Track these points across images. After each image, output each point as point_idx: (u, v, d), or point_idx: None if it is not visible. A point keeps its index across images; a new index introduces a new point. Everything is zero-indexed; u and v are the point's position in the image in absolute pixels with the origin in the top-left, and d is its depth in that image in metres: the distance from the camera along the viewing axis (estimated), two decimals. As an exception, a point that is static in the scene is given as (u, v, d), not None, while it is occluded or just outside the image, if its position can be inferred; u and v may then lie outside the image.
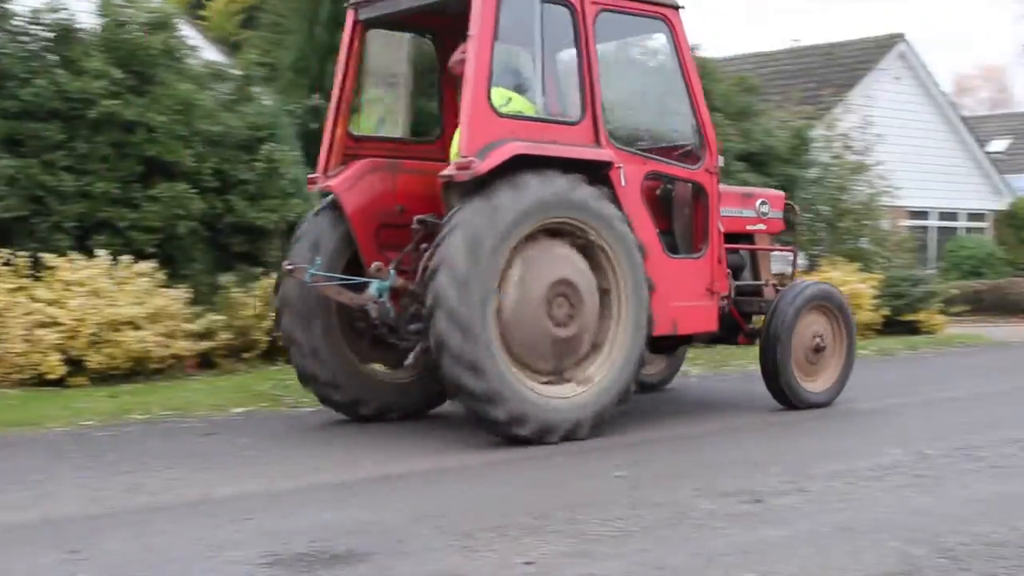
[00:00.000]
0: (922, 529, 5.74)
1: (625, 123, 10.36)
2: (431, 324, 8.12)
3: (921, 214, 29.20)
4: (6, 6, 12.84)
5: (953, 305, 20.33)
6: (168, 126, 12.79)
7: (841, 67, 28.33)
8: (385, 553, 5.39)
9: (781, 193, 11.38)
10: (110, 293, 11.71)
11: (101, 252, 12.03)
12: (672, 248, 9.69)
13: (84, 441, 8.59)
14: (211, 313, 12.52)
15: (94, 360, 11.40)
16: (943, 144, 29.67)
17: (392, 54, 10.37)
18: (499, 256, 8.26)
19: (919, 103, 29.18)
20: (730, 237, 10.28)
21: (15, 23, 12.80)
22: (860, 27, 74.70)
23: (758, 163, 17.81)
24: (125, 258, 12.13)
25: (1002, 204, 31.30)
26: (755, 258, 10.90)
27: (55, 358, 11.19)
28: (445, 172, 8.49)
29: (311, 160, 15.04)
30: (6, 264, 11.63)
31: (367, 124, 10.34)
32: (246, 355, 12.77)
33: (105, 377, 11.46)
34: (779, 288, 10.62)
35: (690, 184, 9.85)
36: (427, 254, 8.48)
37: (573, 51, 9.14)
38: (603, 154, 8.92)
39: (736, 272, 10.44)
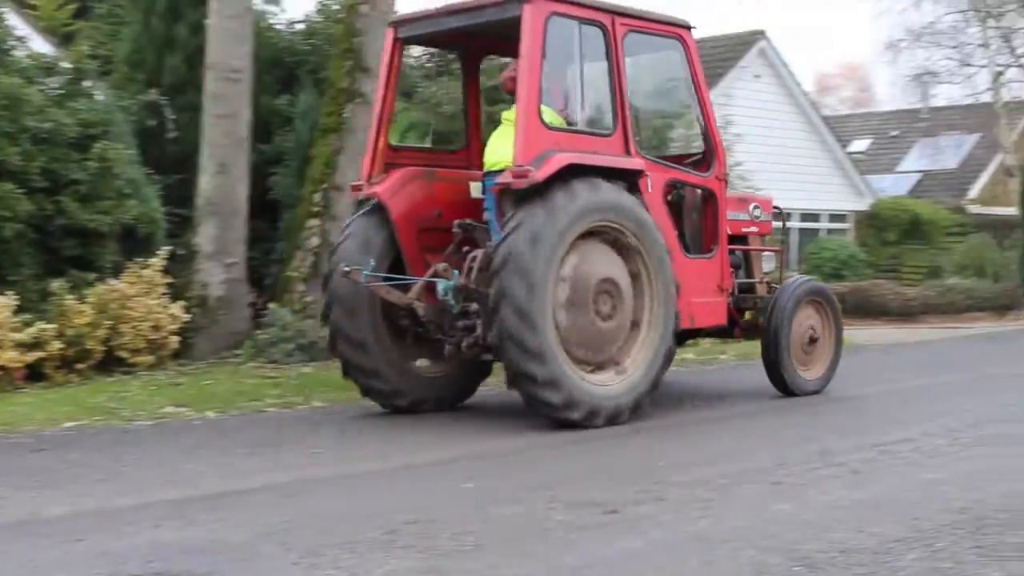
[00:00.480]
0: (779, 537, 5.87)
1: (645, 133, 11.46)
2: (496, 316, 9.34)
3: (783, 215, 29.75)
4: None
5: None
6: (-8, 123, 12.53)
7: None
8: (225, 573, 5.36)
9: (770, 198, 12.85)
10: (-70, 301, 11.43)
11: (-80, 257, 11.74)
12: (683, 249, 10.95)
13: (-99, 459, 8.38)
14: (41, 322, 12.25)
15: (-87, 373, 11.11)
16: (804, 144, 30.31)
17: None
18: (556, 254, 9.52)
19: (780, 102, 29.77)
20: (728, 239, 11.56)
21: None
22: (720, 24, 76.12)
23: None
24: (-54, 263, 11.85)
25: (863, 205, 32.08)
26: (749, 258, 12.31)
27: None
28: (502, 180, 9.71)
29: (147, 159, 14.89)
30: None
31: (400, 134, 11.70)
32: (79, 366, 12.55)
33: (-75, 391, 11.19)
34: (772, 285, 12.14)
35: (699, 190, 11.30)
36: (489, 251, 9.76)
37: (591, 66, 10.40)
38: (636, 163, 10.32)
39: (734, 271, 11.79)
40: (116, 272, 13.34)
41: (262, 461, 8.32)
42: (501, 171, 10.04)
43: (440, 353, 10.66)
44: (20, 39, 14.07)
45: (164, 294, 13.52)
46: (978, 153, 40.12)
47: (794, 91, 30.14)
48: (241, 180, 14.98)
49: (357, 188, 10.86)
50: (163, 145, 15.75)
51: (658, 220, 10.35)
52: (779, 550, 5.61)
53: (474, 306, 10.07)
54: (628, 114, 10.39)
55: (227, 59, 14.81)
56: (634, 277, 10.16)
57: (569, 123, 10.39)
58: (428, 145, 11.57)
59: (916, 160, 41.10)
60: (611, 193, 9.93)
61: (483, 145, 11.16)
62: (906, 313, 24.23)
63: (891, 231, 31.38)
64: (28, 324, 12.12)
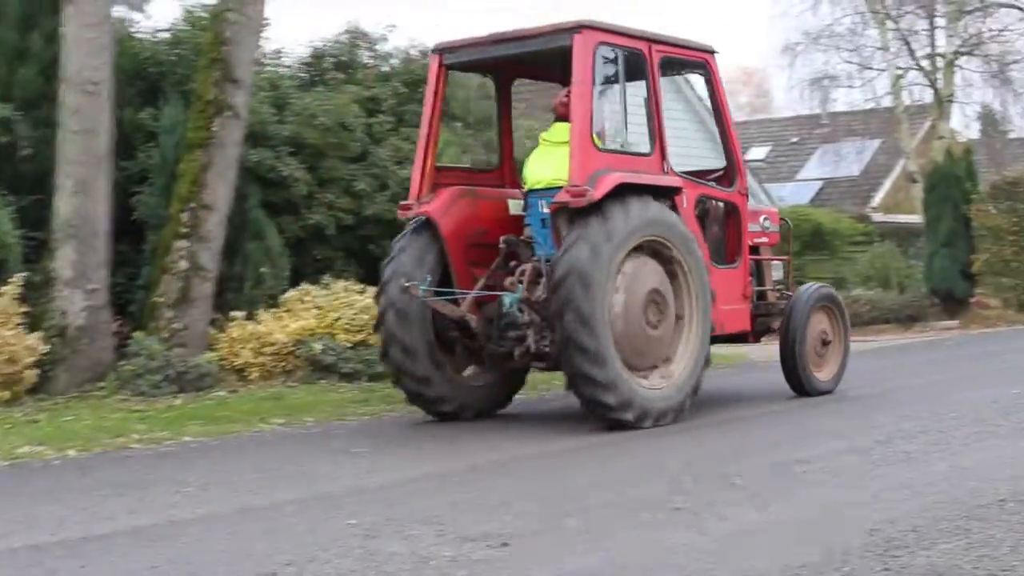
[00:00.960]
0: (679, 567, 5.86)
1: (676, 151, 12.71)
2: (560, 322, 10.57)
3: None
4: None
5: (715, 323, 20.91)
6: None
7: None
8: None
9: (776, 210, 14.55)
10: None
11: None
12: (711, 259, 12.14)
13: None
14: None
15: None
16: (702, 152, 30.52)
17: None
18: (613, 266, 10.76)
19: (675, 108, 29.98)
20: None
21: None
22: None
23: (504, 175, 18.02)
24: None
25: (764, 215, 32.35)
26: (760, 267, 13.68)
27: None
28: (559, 198, 10.94)
29: (2, 180, 14.58)
30: None
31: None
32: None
33: None
34: (785, 293, 13.63)
35: (721, 203, 12.72)
36: (537, 265, 11.34)
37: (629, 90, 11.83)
38: (676, 181, 11.75)
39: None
40: (-33, 302, 13.04)
41: (127, 502, 8.15)
42: (543, 189, 11.63)
43: (483, 363, 12.08)
44: None
45: (20, 324, 13.26)
46: (880, 159, 40.80)
47: (689, 96, 30.39)
48: (102, 200, 14.67)
49: (406, 207, 12.05)
50: (16, 163, 15.41)
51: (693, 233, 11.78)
52: (680, 581, 5.60)
53: (525, 317, 11.25)
54: (664, 135, 11.82)
55: (85, 71, 14.52)
56: (676, 288, 11.49)
57: (607, 144, 11.68)
58: (466, 165, 13.38)
59: (817, 167, 41.66)
60: (658, 210, 11.30)
61: (514, 164, 13.01)
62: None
63: (793, 241, 31.72)
64: None
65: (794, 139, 43.99)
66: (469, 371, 12.22)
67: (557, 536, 6.64)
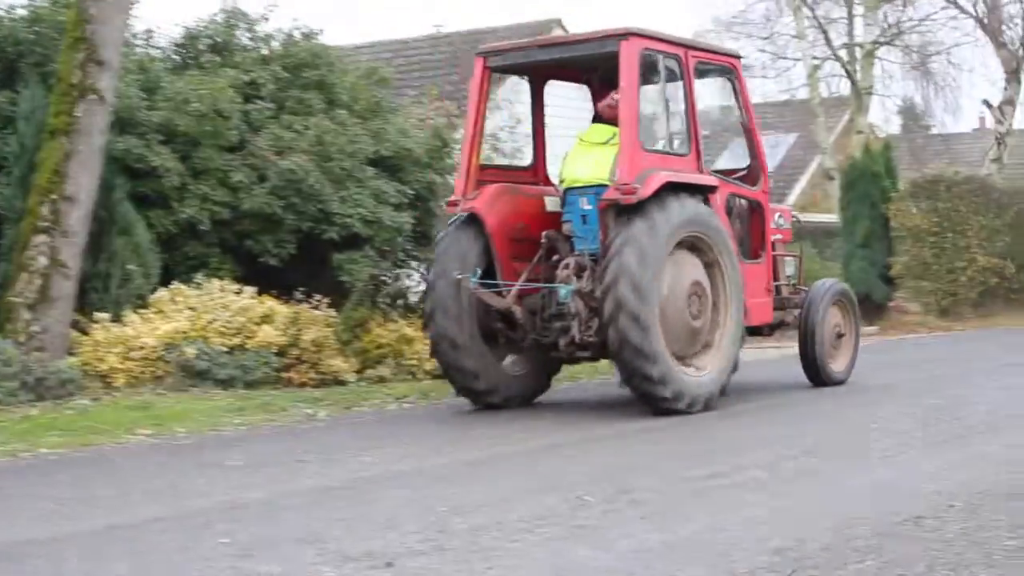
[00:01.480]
0: (577, 587, 5.89)
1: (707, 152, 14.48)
2: (614, 324, 11.94)
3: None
4: None
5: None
6: None
7: (489, 57, 28.88)
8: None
9: (788, 207, 16.33)
10: None
11: None
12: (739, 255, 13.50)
13: None
14: None
15: None
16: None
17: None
18: (660, 264, 12.19)
19: (583, 98, 30.03)
20: None
21: None
22: (512, 11, 76.75)
23: (391, 168, 17.96)
24: None
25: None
26: (775, 262, 14.92)
27: None
28: (609, 196, 12.38)
29: None
30: None
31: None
32: None
33: None
34: (798, 288, 15.23)
35: (745, 201, 14.34)
36: (581, 260, 12.76)
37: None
38: (713, 180, 13.41)
39: None
40: None
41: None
42: (582, 187, 13.14)
43: (522, 354, 13.49)
44: None
45: None
46: (796, 155, 41.24)
47: (594, 86, 30.45)
48: (-48, 192, 14.47)
49: (454, 204, 13.50)
50: None
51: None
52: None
53: (574, 308, 12.56)
54: (699, 136, 13.50)
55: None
56: (713, 280, 12.96)
57: (651, 145, 13.22)
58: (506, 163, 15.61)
59: (729, 162, 41.91)
60: (699, 208, 12.86)
61: (544, 162, 14.72)
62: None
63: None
64: None
65: (705, 132, 44.23)
66: (508, 361, 13.58)
67: (443, 557, 6.64)
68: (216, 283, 15.76)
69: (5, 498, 8.82)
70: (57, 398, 13.55)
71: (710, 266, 12.98)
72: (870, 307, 28.09)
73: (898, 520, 7.18)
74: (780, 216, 15.33)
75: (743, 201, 14.43)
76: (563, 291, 12.68)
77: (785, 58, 37.10)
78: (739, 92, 14.41)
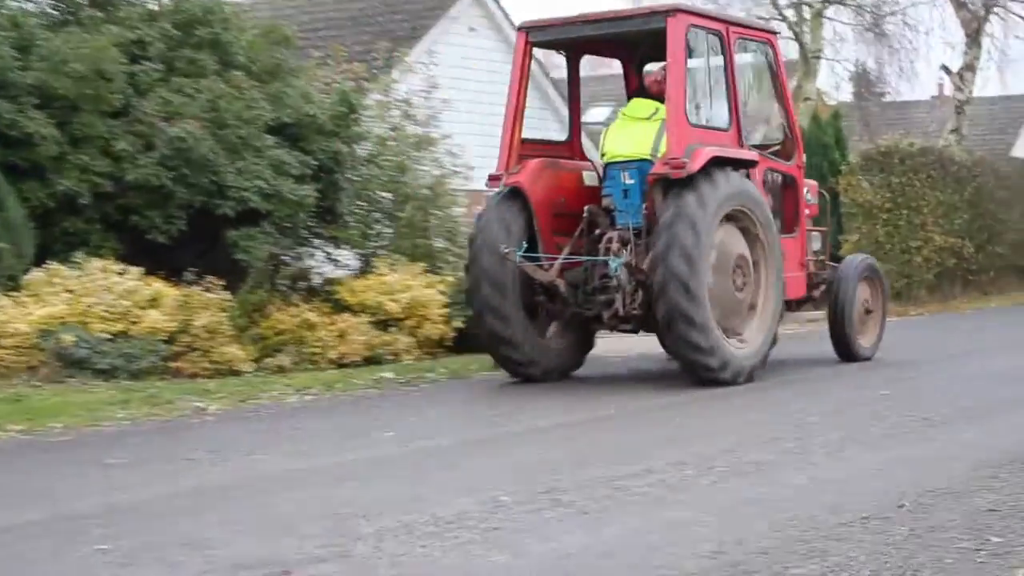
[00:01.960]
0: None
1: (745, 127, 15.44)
2: (665, 294, 13.20)
3: (505, 200, 30.01)
4: None
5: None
6: None
7: (402, 15, 28.81)
8: None
9: (815, 183, 17.03)
10: None
11: None
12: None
13: None
14: None
15: None
16: (530, 112, 30.60)
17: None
18: (709, 236, 13.42)
19: (501, 61, 29.91)
20: None
21: None
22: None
23: (293, 136, 17.84)
24: None
25: (603, 186, 32.58)
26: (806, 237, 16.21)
27: None
28: (658, 170, 13.67)
29: None
30: None
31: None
32: None
33: None
34: (827, 263, 16.56)
35: (779, 176, 15.72)
36: (624, 234, 13.95)
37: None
38: (754, 155, 14.73)
39: None
40: None
41: None
42: (624, 162, 14.35)
43: (562, 327, 14.83)
44: None
45: None
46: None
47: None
48: None
49: (496, 178, 14.71)
50: None
51: None
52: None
53: (614, 281, 13.75)
54: (740, 111, 14.79)
55: None
56: (755, 255, 14.28)
57: (696, 120, 14.39)
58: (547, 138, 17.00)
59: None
60: (743, 182, 14.22)
61: (580, 136, 16.39)
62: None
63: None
64: None
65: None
66: (548, 335, 14.83)
67: (347, 563, 6.64)
68: (97, 263, 15.60)
69: None
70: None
71: (752, 240, 14.31)
72: (819, 290, 28.28)
73: (843, 521, 7.24)
74: (807, 191, 16.35)
75: (778, 176, 15.77)
76: (613, 263, 13.79)
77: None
78: (776, 67, 15.85)
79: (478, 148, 23.22)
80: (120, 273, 15.44)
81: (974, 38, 34.93)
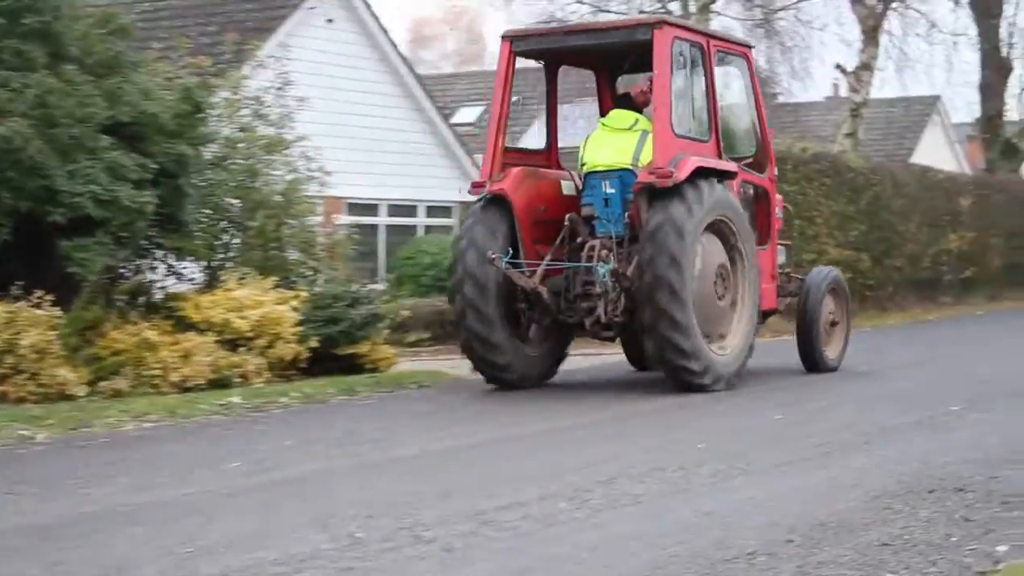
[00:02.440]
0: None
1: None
2: (653, 297, 14.64)
3: (367, 208, 29.95)
4: None
5: (408, 332, 21.02)
6: None
7: (254, 4, 28.67)
8: None
9: (780, 197, 18.46)
10: None
11: None
12: None
13: None
14: None
15: None
16: (395, 113, 30.62)
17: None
18: (694, 243, 14.95)
19: (361, 56, 30.01)
20: None
21: None
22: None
23: (132, 136, 17.62)
24: None
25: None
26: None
27: None
28: (644, 179, 15.14)
29: None
30: None
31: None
32: None
33: None
34: (792, 276, 18.47)
35: (752, 188, 17.28)
36: (607, 242, 15.41)
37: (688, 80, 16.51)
38: (732, 166, 16.37)
39: None
40: None
41: None
42: (603, 171, 15.91)
43: (542, 335, 16.31)
44: None
45: None
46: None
47: (381, 42, 30.45)
48: None
49: (479, 185, 16.26)
50: None
51: None
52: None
53: (597, 288, 15.08)
54: (719, 123, 16.35)
55: None
56: (733, 263, 15.90)
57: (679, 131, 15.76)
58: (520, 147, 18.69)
59: (542, 134, 42.15)
60: (725, 193, 15.81)
61: (557, 146, 17.68)
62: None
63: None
64: None
65: (515, 98, 44.44)
66: (530, 341, 16.23)
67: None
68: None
69: None
70: None
71: (731, 250, 15.91)
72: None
73: (728, 556, 7.31)
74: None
75: (750, 188, 17.30)
76: (601, 270, 15.11)
77: (607, 11, 37.31)
78: (750, 79, 17.53)
79: (336, 152, 23.19)
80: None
81: (871, 36, 35.40)
